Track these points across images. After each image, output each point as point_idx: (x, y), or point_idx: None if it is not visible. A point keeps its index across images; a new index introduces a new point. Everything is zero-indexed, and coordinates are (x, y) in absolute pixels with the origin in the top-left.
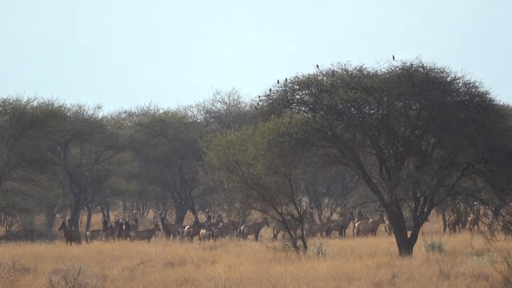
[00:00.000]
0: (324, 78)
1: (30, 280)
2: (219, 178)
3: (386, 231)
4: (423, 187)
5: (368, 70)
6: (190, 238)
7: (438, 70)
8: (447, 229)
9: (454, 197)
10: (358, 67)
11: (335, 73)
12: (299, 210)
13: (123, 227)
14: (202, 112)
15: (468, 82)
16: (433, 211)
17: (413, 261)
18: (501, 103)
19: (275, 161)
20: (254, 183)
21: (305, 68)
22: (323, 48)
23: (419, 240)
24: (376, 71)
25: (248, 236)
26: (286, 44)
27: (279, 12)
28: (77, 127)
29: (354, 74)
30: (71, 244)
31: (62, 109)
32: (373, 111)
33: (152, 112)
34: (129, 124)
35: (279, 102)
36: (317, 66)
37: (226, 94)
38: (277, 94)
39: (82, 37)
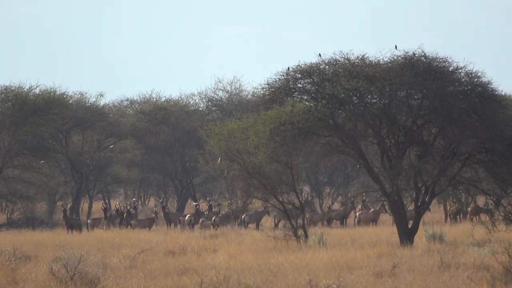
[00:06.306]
0: (326, 67)
1: (31, 268)
2: (220, 167)
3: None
4: (424, 177)
5: (370, 59)
6: (191, 226)
7: (440, 60)
8: (448, 219)
9: (455, 187)
10: (360, 56)
11: (337, 62)
12: (300, 199)
13: (124, 215)
14: (204, 100)
15: (471, 72)
16: (434, 201)
17: (414, 251)
18: (503, 93)
19: (277, 149)
20: (255, 171)
21: (307, 57)
22: (325, 37)
23: (420, 230)
24: (378, 60)
25: (249, 225)
26: (288, 32)
27: (282, 0)
28: (79, 114)
29: (356, 63)
30: (72, 232)
31: (64, 96)
32: (375, 100)
33: (154, 100)
34: (131, 112)
35: (281, 91)
36: (319, 55)
37: (228, 83)
38: (279, 83)
39: (85, 25)
